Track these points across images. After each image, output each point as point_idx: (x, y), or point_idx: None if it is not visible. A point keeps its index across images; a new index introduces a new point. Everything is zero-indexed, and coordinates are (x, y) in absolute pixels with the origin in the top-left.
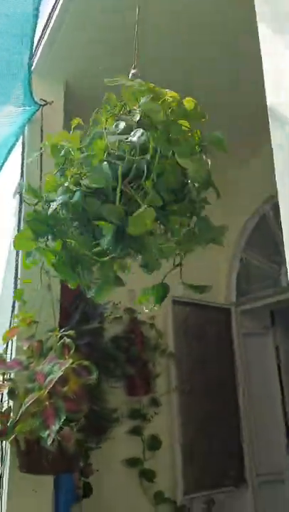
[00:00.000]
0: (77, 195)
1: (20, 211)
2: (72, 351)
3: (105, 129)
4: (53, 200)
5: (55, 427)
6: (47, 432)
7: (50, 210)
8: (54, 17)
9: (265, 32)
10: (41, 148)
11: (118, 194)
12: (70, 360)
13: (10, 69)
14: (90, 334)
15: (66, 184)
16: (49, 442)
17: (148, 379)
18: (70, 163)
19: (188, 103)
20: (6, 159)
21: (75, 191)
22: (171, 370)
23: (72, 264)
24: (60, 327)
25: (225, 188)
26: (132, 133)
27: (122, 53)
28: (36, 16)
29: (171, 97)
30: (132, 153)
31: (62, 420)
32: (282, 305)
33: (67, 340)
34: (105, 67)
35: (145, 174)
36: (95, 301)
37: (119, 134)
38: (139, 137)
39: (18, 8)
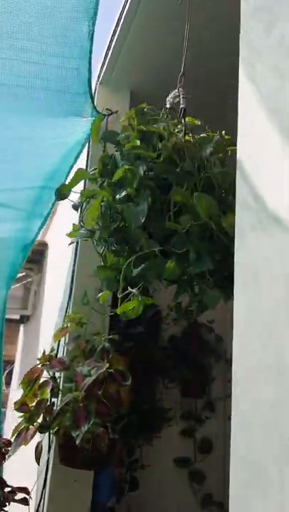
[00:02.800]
0: None
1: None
2: (110, 355)
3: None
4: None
5: (84, 428)
6: (77, 432)
7: None
8: (118, 30)
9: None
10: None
11: None
12: (107, 365)
13: (71, 85)
14: (138, 337)
15: None
16: (78, 441)
17: (203, 382)
18: None
19: None
20: (72, 167)
21: None
22: (228, 375)
23: None
24: (111, 330)
25: None
26: None
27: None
28: (92, 37)
29: None
30: None
31: (91, 423)
32: None
33: (106, 344)
34: (171, 75)
35: None
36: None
37: None
38: None
39: (73, 31)
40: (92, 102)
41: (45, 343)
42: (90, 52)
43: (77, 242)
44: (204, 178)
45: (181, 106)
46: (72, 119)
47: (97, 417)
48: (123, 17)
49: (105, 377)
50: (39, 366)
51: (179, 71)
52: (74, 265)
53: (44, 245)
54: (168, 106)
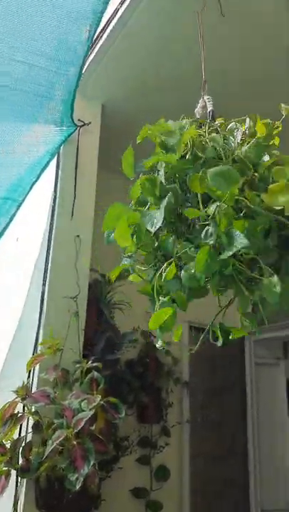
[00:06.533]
0: None
1: (51, 229)
2: (100, 386)
3: None
4: None
5: (84, 471)
6: (75, 476)
7: None
8: (98, 46)
9: None
10: (76, 165)
11: None
12: (99, 397)
13: (55, 91)
14: (112, 364)
15: None
16: (77, 486)
17: (160, 407)
18: None
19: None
20: (39, 177)
21: None
22: (184, 399)
23: None
24: (83, 356)
25: None
26: None
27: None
28: (90, 43)
29: None
30: None
31: (91, 463)
32: None
33: (96, 374)
34: (140, 93)
35: None
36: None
37: None
38: None
39: (71, 35)
40: (72, 111)
41: None
42: (84, 58)
43: (47, 259)
44: (232, 160)
45: (209, 109)
46: (47, 127)
47: (95, 455)
48: (105, 36)
49: (96, 411)
50: (16, 400)
51: (147, 91)
52: (44, 285)
53: None
54: (198, 117)
